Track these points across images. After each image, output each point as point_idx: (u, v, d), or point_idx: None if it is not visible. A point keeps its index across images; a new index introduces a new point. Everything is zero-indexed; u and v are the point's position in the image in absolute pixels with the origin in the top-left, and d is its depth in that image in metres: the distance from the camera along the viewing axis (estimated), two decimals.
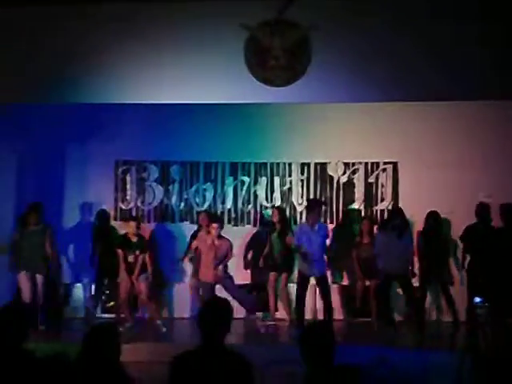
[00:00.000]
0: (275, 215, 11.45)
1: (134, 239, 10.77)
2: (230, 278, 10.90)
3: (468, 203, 10.87)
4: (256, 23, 9.82)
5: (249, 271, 11.67)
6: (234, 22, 9.73)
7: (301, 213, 12.11)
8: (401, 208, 10.99)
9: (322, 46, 9.76)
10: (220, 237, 10.78)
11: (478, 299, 8.72)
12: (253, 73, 9.92)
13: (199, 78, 9.87)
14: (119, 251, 10.73)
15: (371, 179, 12.10)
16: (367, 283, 11.13)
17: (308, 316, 10.90)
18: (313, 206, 11.06)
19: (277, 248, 11.31)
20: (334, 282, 11.55)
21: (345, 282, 11.73)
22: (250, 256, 11.67)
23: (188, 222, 12.20)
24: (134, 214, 11.98)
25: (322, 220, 11.44)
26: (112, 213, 12.00)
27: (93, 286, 11.62)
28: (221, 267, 10.67)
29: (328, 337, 4.18)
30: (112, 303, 11.58)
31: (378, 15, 9.82)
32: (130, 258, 10.69)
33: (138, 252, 10.68)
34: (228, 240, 10.89)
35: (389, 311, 10.61)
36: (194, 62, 9.89)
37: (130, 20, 9.88)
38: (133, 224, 10.86)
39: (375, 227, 11.25)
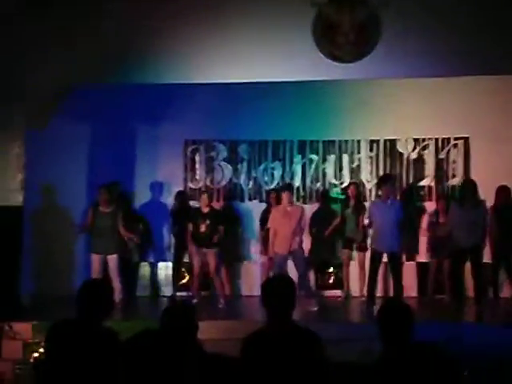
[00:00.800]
0: (351, 191, 11.49)
1: (206, 210, 10.86)
2: (302, 249, 10.65)
3: None
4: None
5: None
6: None
7: (370, 190, 12.04)
8: (473, 181, 10.69)
9: (392, 22, 9.68)
10: (293, 204, 10.70)
11: None
12: (321, 49, 9.88)
13: (267, 56, 9.88)
14: (190, 224, 10.88)
15: (442, 155, 11.95)
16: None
17: (379, 294, 10.89)
18: (385, 180, 10.95)
19: (351, 224, 11.33)
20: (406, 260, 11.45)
21: (416, 260, 11.61)
22: (313, 232, 11.63)
23: (257, 201, 12.23)
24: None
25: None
26: None
27: (165, 265, 11.80)
28: (297, 238, 10.47)
29: (407, 314, 4.15)
30: (185, 280, 11.72)
31: None
32: (202, 228, 10.79)
33: (209, 221, 10.76)
34: (300, 206, 10.91)
35: (461, 287, 10.50)
36: (262, 40, 9.90)
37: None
38: (204, 197, 10.96)
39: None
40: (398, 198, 11.56)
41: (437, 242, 11.02)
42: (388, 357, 4.07)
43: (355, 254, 11.50)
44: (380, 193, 11.04)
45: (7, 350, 8.74)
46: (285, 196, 10.57)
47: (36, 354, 8.49)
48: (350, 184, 11.80)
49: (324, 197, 11.95)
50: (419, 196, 11.91)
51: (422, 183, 11.98)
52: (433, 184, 11.92)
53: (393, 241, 10.39)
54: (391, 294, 10.92)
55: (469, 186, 10.50)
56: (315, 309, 10.23)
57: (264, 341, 4.30)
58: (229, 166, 12.35)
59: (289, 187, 11.11)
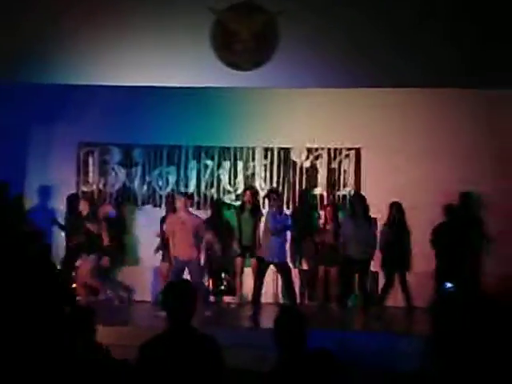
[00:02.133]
0: (248, 196, 11.41)
1: (85, 213, 10.74)
2: (198, 259, 10.48)
3: (431, 194, 10.95)
4: (224, 7, 9.80)
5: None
6: (201, 5, 9.71)
7: (264, 198, 12.04)
8: (363, 195, 10.99)
9: (289, 31, 9.79)
10: (189, 213, 10.45)
11: (449, 285, 8.85)
12: (219, 56, 9.91)
13: (165, 61, 9.87)
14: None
15: (334, 165, 12.11)
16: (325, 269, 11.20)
17: (269, 300, 10.97)
18: (268, 196, 11.12)
19: (247, 229, 11.26)
20: (294, 267, 11.51)
21: (304, 267, 11.69)
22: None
23: (150, 206, 12.13)
24: (95, 196, 11.94)
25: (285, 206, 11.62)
26: None
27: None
28: (194, 247, 10.23)
29: (302, 321, 4.20)
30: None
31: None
32: (80, 238, 10.69)
33: (89, 225, 10.63)
34: (198, 217, 10.60)
35: (347, 296, 10.70)
36: (159, 45, 9.90)
37: (97, 1, 9.82)
38: (85, 202, 10.88)
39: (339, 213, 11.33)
40: (291, 206, 11.74)
41: (322, 249, 11.15)
42: (284, 364, 4.09)
43: (250, 260, 11.42)
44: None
45: None
46: (180, 200, 10.37)
47: None
48: (246, 189, 11.71)
49: (216, 204, 11.88)
50: (311, 204, 12.03)
51: (314, 192, 12.11)
52: (325, 193, 12.07)
53: (281, 251, 10.60)
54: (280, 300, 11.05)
55: (359, 201, 10.77)
56: (208, 314, 10.15)
57: (161, 346, 4.28)
58: (122, 169, 12.22)
59: (184, 195, 10.96)
